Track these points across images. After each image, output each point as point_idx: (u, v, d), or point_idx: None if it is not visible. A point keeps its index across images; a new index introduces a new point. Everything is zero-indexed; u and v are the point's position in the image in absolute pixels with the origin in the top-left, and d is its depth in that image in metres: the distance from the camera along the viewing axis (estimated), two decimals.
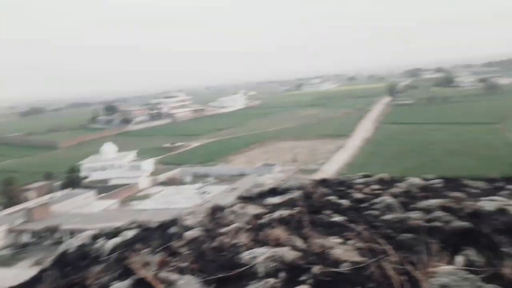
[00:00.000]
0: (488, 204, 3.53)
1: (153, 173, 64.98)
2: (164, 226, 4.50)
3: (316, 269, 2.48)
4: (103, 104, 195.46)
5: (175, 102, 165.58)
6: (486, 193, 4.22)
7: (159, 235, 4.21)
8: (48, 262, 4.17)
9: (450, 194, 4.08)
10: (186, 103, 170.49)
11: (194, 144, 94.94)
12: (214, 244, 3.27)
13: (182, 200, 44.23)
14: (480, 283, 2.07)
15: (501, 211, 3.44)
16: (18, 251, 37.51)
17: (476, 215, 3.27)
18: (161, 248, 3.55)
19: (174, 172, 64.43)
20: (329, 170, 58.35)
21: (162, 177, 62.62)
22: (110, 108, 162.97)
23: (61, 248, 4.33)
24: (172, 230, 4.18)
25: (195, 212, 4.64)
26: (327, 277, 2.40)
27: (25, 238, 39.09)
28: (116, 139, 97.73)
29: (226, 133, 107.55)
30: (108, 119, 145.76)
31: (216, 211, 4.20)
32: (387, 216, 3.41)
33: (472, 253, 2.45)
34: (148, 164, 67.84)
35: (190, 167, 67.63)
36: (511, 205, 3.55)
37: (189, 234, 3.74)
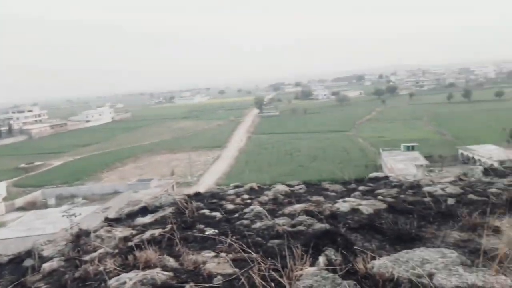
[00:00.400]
0: (343, 205, 3.93)
1: (7, 198, 56.92)
2: (16, 259, 3.94)
3: (188, 286, 2.43)
4: None
5: (29, 117, 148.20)
6: (342, 195, 4.70)
7: (10, 270, 3.68)
8: None
9: (311, 198, 4.44)
10: (42, 118, 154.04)
11: (57, 162, 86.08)
12: (77, 274, 2.97)
13: (45, 226, 39.69)
14: (338, 280, 2.27)
15: (354, 210, 3.86)
16: None
17: (334, 216, 3.62)
18: (13, 285, 3.10)
19: (34, 195, 57.45)
20: (207, 181, 58.70)
21: (20, 201, 55.27)
22: None
23: None
24: (27, 262, 3.69)
25: (55, 240, 4.16)
26: None
27: None
28: None
29: (94, 149, 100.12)
30: None
31: (79, 237, 3.83)
32: (257, 225, 3.54)
33: (331, 253, 2.68)
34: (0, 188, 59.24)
35: (53, 188, 61.12)
36: (362, 205, 4.01)
37: (48, 266, 3.34)
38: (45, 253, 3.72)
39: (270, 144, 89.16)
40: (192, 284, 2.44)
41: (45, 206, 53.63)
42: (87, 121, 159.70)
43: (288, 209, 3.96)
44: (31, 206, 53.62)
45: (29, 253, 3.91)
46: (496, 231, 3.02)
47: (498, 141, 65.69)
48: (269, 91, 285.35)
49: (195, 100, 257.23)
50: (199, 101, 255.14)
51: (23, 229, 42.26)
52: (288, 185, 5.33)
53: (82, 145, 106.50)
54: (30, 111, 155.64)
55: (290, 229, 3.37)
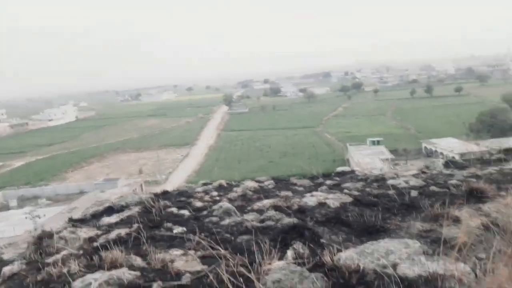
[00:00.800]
0: (310, 199, 3.98)
1: None
2: None
3: (156, 285, 2.39)
4: None
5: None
6: (310, 189, 4.76)
7: None
8: None
9: (280, 193, 4.47)
10: (0, 117, 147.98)
11: (18, 163, 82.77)
12: (40, 277, 2.87)
13: (6, 229, 38.15)
14: (306, 273, 2.29)
15: (321, 204, 3.92)
16: None
17: (301, 211, 3.66)
18: None
19: (7, 194, 55.24)
20: (177, 179, 58.08)
21: None
22: None
23: None
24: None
25: (16, 243, 4.01)
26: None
27: None
28: None
29: (58, 148, 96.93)
30: None
31: (42, 239, 3.70)
32: (225, 221, 3.53)
33: (299, 247, 2.71)
34: None
35: (15, 189, 58.81)
36: (329, 199, 4.07)
37: (8, 270, 3.20)
38: (5, 257, 3.57)
39: (240, 141, 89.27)
40: (159, 282, 2.41)
41: (6, 208, 51.57)
42: (50, 120, 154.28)
43: (257, 205, 3.97)
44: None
45: None
46: (456, 220, 3.15)
47: (458, 134, 68.45)
48: (238, 88, 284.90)
49: (162, 98, 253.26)
50: (167, 98, 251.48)
51: None
52: (257, 181, 5.35)
53: (45, 144, 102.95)
54: None
55: (258, 224, 3.38)
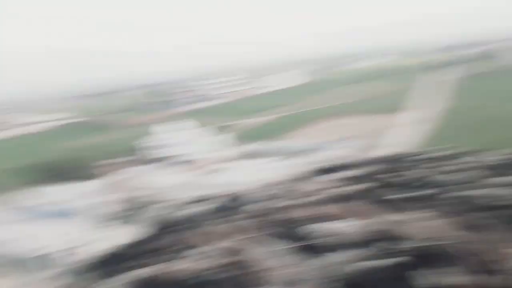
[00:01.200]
0: None
1: (230, 148, 65.89)
2: (227, 201, 4.70)
3: (376, 244, 2.49)
4: (145, 88, 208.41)
5: (224, 82, 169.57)
6: None
7: (237, 204, 4.44)
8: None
9: None
10: (240, 82, 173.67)
11: (254, 121, 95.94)
12: (277, 218, 3.38)
13: (254, 173, 44.00)
14: None
15: None
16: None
17: None
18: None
19: (248, 147, 65.29)
20: (400, 144, 55.52)
21: (238, 151, 63.62)
22: (161, 92, 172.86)
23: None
24: (234, 203, 4.36)
25: (261, 186, 4.78)
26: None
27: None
28: (180, 118, 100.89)
29: (284, 110, 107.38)
30: (167, 100, 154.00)
31: (292, 184, 4.30)
32: (474, 192, 3.30)
33: None
34: (226, 140, 68.28)
35: (259, 143, 67.75)
36: None
37: (251, 207, 3.90)
38: (250, 197, 4.33)
39: (469, 109, 78.17)
40: (381, 243, 2.49)
41: (253, 157, 59.93)
42: (274, 85, 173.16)
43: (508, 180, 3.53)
44: (246, 156, 61.27)
45: (237, 197, 4.63)
46: None
47: None
48: (437, 53, 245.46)
49: (368, 64, 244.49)
50: (372, 64, 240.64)
51: (243, 174, 48.23)
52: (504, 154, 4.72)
53: (274, 106, 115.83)
54: (220, 78, 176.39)
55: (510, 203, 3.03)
